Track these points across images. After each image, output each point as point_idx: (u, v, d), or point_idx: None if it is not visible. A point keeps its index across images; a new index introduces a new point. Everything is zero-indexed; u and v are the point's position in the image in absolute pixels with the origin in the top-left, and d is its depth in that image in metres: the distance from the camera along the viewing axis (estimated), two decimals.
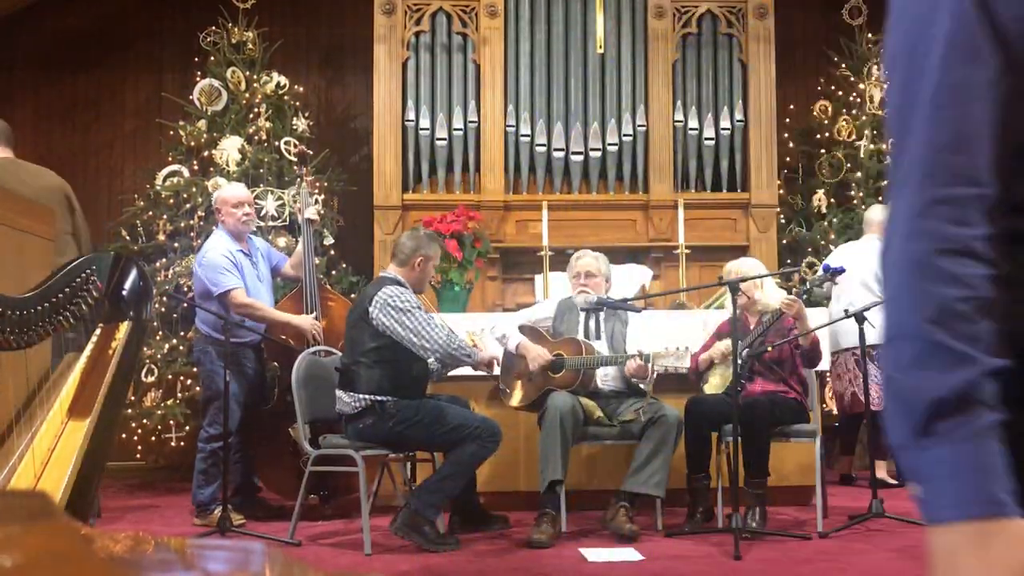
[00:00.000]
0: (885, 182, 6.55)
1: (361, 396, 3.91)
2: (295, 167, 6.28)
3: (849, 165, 6.71)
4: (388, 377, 3.91)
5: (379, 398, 3.89)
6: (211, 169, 6.21)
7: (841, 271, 4.20)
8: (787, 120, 7.23)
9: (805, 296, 4.21)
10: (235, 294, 4.47)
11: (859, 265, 5.54)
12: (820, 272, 4.32)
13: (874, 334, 4.47)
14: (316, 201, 6.13)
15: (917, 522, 4.16)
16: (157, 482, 6.10)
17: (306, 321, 4.69)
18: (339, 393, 3.99)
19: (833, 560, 3.55)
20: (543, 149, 6.50)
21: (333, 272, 6.43)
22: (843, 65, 7.03)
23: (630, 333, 4.49)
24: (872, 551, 3.70)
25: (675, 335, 4.85)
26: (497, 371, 4.27)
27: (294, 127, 6.55)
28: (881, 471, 5.57)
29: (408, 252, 4.11)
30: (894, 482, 5.67)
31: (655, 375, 4.26)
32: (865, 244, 5.70)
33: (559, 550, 3.79)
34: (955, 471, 0.80)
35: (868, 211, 5.88)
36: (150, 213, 6.32)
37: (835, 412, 6.22)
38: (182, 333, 5.95)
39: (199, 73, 6.63)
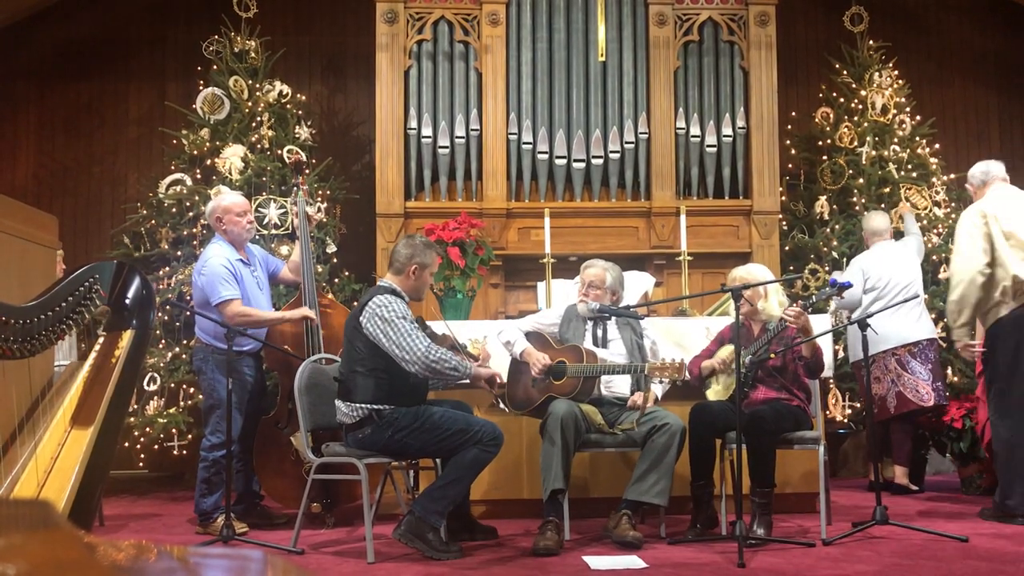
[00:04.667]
0: (887, 188, 6.58)
1: (358, 406, 3.88)
2: (293, 176, 6.30)
3: (851, 172, 6.72)
4: (385, 385, 3.89)
5: (376, 407, 3.87)
6: (214, 177, 6.22)
7: (848, 286, 4.16)
8: (789, 127, 7.24)
9: (810, 309, 4.19)
10: (231, 305, 4.46)
11: (894, 269, 5.59)
12: (827, 286, 4.27)
13: (876, 341, 4.43)
14: (319, 210, 6.14)
15: (920, 529, 4.15)
16: (160, 491, 6.10)
17: (300, 311, 4.66)
18: (338, 403, 3.97)
19: (837, 567, 3.54)
20: (545, 157, 6.50)
21: (336, 280, 6.43)
22: (845, 72, 7.05)
23: (647, 344, 4.48)
24: (876, 558, 3.69)
25: (680, 342, 4.86)
26: (496, 385, 4.18)
27: (296, 135, 6.56)
28: (903, 478, 5.54)
29: (403, 260, 4.08)
30: (916, 488, 5.61)
31: (661, 391, 4.23)
32: (900, 246, 5.76)
33: (562, 558, 3.78)
34: None
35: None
36: (153, 221, 6.33)
37: (839, 420, 6.20)
38: (184, 342, 5.95)
39: (202, 82, 6.65)
